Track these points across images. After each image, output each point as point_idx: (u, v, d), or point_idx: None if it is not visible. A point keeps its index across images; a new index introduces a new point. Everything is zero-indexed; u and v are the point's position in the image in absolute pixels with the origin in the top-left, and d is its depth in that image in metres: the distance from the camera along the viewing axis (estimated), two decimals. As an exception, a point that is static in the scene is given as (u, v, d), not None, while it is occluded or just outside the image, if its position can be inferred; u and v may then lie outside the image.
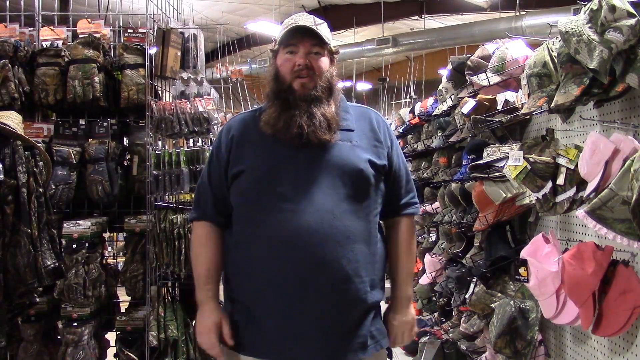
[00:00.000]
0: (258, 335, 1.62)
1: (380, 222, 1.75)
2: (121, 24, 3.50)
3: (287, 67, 1.65)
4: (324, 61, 1.67)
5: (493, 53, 2.60)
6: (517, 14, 8.78)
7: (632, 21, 1.51)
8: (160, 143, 3.25)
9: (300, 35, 1.64)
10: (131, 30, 3.19)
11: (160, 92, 3.24)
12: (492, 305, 2.51)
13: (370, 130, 1.71)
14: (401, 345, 1.77)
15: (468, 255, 2.93)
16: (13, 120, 1.98)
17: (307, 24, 1.64)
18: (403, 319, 1.75)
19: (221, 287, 1.78)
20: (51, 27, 3.27)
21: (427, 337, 4.05)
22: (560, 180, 1.90)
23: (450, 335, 3.39)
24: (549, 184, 1.95)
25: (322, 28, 1.67)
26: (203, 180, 1.78)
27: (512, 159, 2.14)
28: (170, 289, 3.19)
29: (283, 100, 1.64)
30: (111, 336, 3.06)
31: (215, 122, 3.09)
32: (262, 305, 1.61)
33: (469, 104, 2.75)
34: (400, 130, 4.64)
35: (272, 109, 1.66)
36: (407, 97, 10.68)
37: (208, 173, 1.76)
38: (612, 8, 1.54)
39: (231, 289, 1.71)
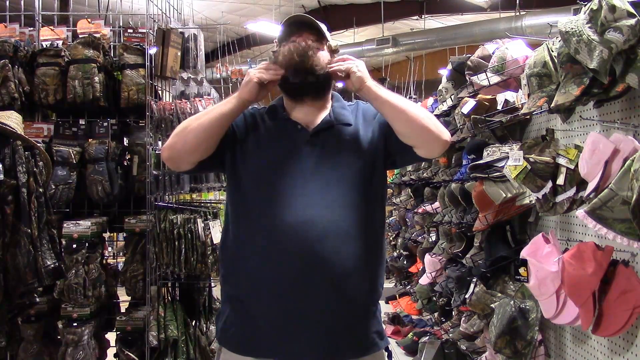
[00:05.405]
0: (255, 334, 1.60)
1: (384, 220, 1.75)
2: (121, 24, 3.50)
3: None
4: (323, 54, 1.67)
5: (493, 53, 2.59)
6: (517, 14, 8.76)
7: (632, 21, 1.51)
8: (160, 143, 3.25)
9: (298, 29, 1.66)
10: (131, 30, 3.19)
11: (160, 92, 3.24)
12: (492, 305, 2.50)
13: (363, 120, 1.70)
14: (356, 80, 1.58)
15: (468, 255, 2.93)
16: (13, 120, 1.98)
17: (305, 19, 1.67)
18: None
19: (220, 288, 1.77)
20: (51, 27, 3.27)
21: (427, 337, 4.05)
22: (560, 180, 1.90)
23: (450, 335, 3.39)
24: (549, 184, 1.94)
25: (321, 25, 1.69)
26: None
27: (512, 159, 2.14)
28: (170, 289, 3.19)
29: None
30: (111, 336, 3.06)
31: (215, 122, 3.08)
32: (259, 303, 1.59)
33: (469, 104, 2.75)
34: (401, 130, 4.63)
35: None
36: (407, 97, 10.66)
37: None
38: (612, 8, 1.54)
39: (228, 287, 1.69)
